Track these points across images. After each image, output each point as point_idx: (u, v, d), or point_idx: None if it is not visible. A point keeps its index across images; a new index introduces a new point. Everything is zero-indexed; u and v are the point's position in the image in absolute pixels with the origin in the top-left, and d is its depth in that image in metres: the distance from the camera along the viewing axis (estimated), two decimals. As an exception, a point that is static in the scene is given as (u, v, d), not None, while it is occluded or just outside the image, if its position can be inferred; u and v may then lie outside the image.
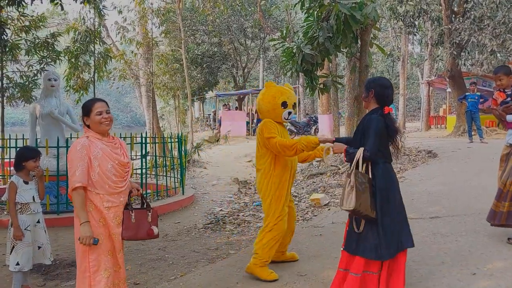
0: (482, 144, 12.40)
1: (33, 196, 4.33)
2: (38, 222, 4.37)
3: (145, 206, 3.44)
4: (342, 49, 9.46)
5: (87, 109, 3.19)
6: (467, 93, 13.50)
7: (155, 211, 3.45)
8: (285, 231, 4.25)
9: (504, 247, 4.50)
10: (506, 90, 4.56)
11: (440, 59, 20.11)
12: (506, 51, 14.89)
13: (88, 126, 3.20)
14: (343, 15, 8.02)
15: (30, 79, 10.30)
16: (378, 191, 3.39)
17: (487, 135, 14.59)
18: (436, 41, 18.37)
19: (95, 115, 3.17)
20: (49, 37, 10.60)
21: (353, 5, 8.03)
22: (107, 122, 3.19)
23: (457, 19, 16.04)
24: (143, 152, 9.14)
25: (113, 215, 3.14)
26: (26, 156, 4.34)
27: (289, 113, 4.28)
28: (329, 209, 7.37)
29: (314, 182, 9.99)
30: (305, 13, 9.06)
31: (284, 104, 4.23)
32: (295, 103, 4.38)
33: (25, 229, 4.21)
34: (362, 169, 3.36)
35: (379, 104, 3.56)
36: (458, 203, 6.29)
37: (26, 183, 4.32)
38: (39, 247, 4.35)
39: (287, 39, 9.50)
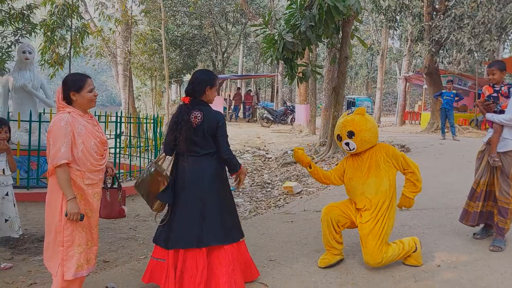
0: (454, 142, 12.66)
1: (3, 169, 4.24)
2: (7, 194, 4.30)
3: (116, 186, 3.47)
4: (323, 39, 9.50)
5: (78, 85, 3.09)
6: (443, 91, 13.72)
7: (124, 192, 3.56)
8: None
9: (469, 242, 4.63)
10: (495, 86, 4.59)
11: (418, 56, 20.30)
12: (483, 51, 15.14)
13: (70, 102, 3.12)
14: (326, 5, 8.04)
15: (3, 50, 10.00)
16: None
17: (460, 133, 14.89)
18: (416, 37, 18.55)
19: (88, 91, 3.11)
20: (25, 8, 10.33)
21: (337, -5, 8.06)
22: (95, 100, 3.19)
23: (438, 16, 16.23)
24: (118, 132, 9.03)
25: (92, 192, 3.14)
26: None
27: (347, 143, 3.93)
28: (301, 197, 7.45)
29: (288, 171, 10.05)
30: (288, 1, 9.05)
31: (339, 138, 4.03)
32: (350, 131, 3.88)
33: (-7, 200, 4.14)
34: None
35: None
36: (427, 197, 6.42)
37: (-4, 155, 4.23)
38: (6, 220, 4.27)
39: (269, 26, 9.47)
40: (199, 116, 3.49)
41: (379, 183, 3.86)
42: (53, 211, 3.03)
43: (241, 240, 3.68)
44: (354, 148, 3.92)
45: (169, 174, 3.64)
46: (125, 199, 3.58)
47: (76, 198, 2.99)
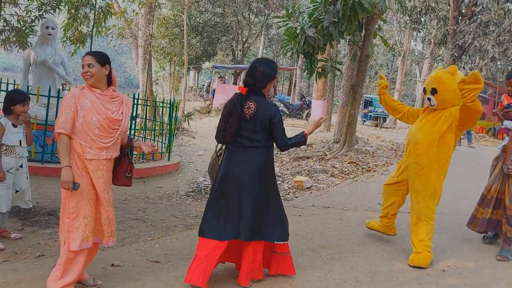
0: (470, 149, 12.54)
1: (20, 140, 4.30)
2: (21, 166, 4.36)
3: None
4: (345, 36, 9.43)
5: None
6: (462, 96, 13.56)
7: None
8: None
9: (477, 249, 4.60)
10: None
11: (440, 59, 20.08)
12: (507, 59, 14.93)
13: None
14: (351, 1, 7.97)
15: (27, 24, 10.06)
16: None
17: (476, 141, 14.75)
18: (439, 41, 18.35)
19: (82, 67, 3.18)
20: (51, -16, 10.38)
21: (363, -8, 7.99)
22: (86, 76, 3.15)
23: (464, 21, 16.02)
24: (134, 114, 9.09)
25: (93, 168, 3.13)
26: (14, 100, 4.29)
27: (428, 99, 4.01)
28: (310, 193, 7.44)
29: (300, 165, 10.04)
30: (313, -6, 8.99)
31: (424, 91, 4.12)
32: (433, 88, 3.96)
33: (7, 171, 4.20)
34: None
35: None
36: (440, 202, 6.36)
37: (15, 126, 4.28)
38: (16, 191, 4.34)
39: (292, 18, 9.42)
40: (252, 107, 3.38)
41: (437, 137, 3.91)
42: None
43: (261, 240, 3.52)
44: (434, 105, 3.98)
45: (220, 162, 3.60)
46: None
47: (81, 170, 3.06)
